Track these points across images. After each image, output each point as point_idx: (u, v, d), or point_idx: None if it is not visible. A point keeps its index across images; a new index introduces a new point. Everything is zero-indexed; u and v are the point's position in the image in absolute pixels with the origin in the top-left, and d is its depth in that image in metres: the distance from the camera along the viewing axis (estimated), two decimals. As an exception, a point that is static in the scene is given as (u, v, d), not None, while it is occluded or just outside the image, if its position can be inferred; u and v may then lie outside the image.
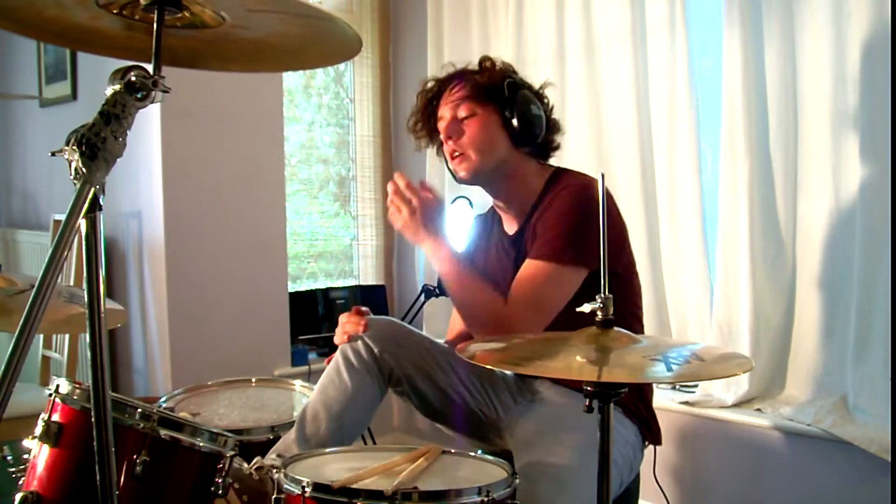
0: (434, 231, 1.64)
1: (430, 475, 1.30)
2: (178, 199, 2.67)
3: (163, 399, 1.91)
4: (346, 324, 1.70)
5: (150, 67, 1.00)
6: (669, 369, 1.10)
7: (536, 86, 1.79)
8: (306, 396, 1.74)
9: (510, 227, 1.79)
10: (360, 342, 1.66)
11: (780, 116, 2.29)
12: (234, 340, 2.79)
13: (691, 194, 2.48)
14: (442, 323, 3.09)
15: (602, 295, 1.17)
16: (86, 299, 0.93)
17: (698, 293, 2.50)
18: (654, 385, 2.32)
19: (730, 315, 2.37)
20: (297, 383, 2.06)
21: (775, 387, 2.37)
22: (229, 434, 1.39)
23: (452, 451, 1.42)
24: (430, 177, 3.25)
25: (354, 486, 1.20)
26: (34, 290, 0.87)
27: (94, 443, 0.95)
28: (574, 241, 1.57)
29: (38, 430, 1.30)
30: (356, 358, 1.65)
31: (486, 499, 1.19)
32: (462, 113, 1.70)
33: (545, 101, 1.77)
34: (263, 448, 1.67)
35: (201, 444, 1.34)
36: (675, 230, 2.55)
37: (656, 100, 2.58)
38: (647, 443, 1.73)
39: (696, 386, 2.48)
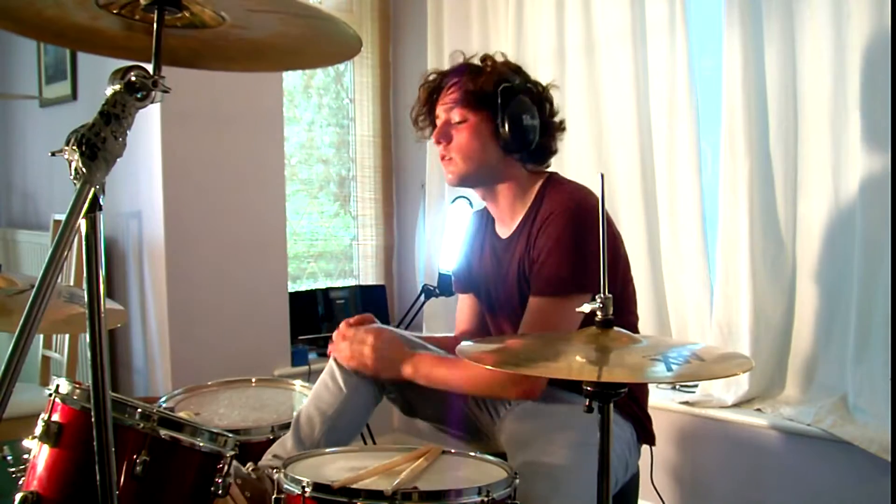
0: (403, 353, 1.63)
1: (430, 475, 1.30)
2: (178, 199, 2.67)
3: (163, 399, 1.91)
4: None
5: (150, 67, 1.00)
6: (669, 369, 1.10)
7: (543, 83, 1.75)
8: (306, 396, 1.74)
9: (502, 229, 1.78)
10: None
11: (780, 116, 2.30)
12: (234, 340, 2.79)
13: (691, 194, 2.48)
14: (442, 323, 3.09)
15: (602, 295, 1.17)
16: (86, 299, 0.93)
17: (698, 293, 2.50)
18: (655, 385, 2.33)
19: (730, 315, 2.37)
20: (297, 383, 2.06)
21: (775, 387, 2.37)
22: (229, 434, 1.39)
23: (452, 451, 1.42)
24: (430, 175, 3.26)
25: (354, 486, 1.20)
26: (34, 290, 0.87)
27: (94, 443, 0.95)
28: (574, 271, 1.55)
29: (38, 430, 1.30)
30: None
31: (486, 499, 1.19)
32: (455, 117, 1.69)
33: (547, 104, 1.73)
34: (263, 448, 1.67)
35: (201, 444, 1.34)
36: (675, 230, 2.55)
37: (656, 100, 2.58)
38: (641, 442, 1.73)
39: (696, 386, 2.48)
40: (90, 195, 0.90)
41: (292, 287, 3.17)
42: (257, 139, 2.87)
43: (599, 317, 1.18)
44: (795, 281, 2.32)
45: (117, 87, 0.96)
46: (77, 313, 1.67)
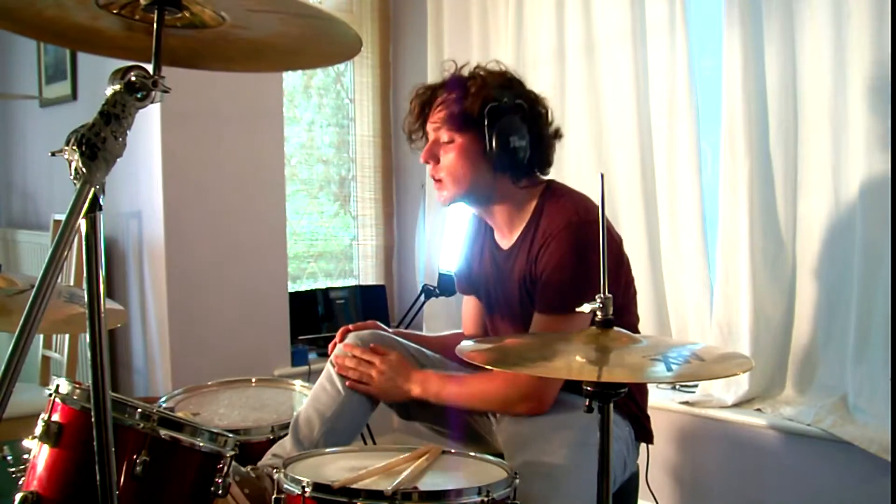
0: (410, 375, 1.66)
1: (430, 475, 1.30)
2: (178, 199, 2.67)
3: (163, 399, 1.91)
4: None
5: (150, 67, 0.99)
6: (669, 369, 1.10)
7: (536, 91, 1.72)
8: (306, 396, 1.74)
9: (502, 240, 1.76)
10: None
11: (780, 116, 2.30)
12: (234, 340, 2.78)
13: (691, 194, 2.48)
14: (442, 323, 3.09)
15: (602, 295, 1.17)
16: (86, 299, 0.93)
17: (698, 293, 2.50)
18: (655, 385, 2.33)
19: (730, 315, 2.37)
20: (297, 383, 2.06)
21: (775, 387, 2.37)
22: (229, 434, 1.39)
23: (452, 451, 1.42)
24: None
25: (354, 486, 1.20)
26: (34, 290, 0.87)
27: (94, 443, 0.95)
28: (578, 287, 1.52)
29: (38, 430, 1.30)
30: None
31: (486, 499, 1.19)
32: (443, 137, 1.67)
33: (541, 116, 1.69)
34: (263, 448, 1.67)
35: (201, 444, 1.34)
36: (675, 230, 2.55)
37: (656, 100, 2.57)
38: (639, 441, 1.73)
39: (696, 386, 2.48)
40: (90, 195, 0.90)
41: (292, 287, 3.17)
42: (257, 139, 2.87)
43: (599, 317, 1.18)
44: (795, 281, 2.32)
45: (117, 87, 0.96)
46: (77, 313, 1.67)
